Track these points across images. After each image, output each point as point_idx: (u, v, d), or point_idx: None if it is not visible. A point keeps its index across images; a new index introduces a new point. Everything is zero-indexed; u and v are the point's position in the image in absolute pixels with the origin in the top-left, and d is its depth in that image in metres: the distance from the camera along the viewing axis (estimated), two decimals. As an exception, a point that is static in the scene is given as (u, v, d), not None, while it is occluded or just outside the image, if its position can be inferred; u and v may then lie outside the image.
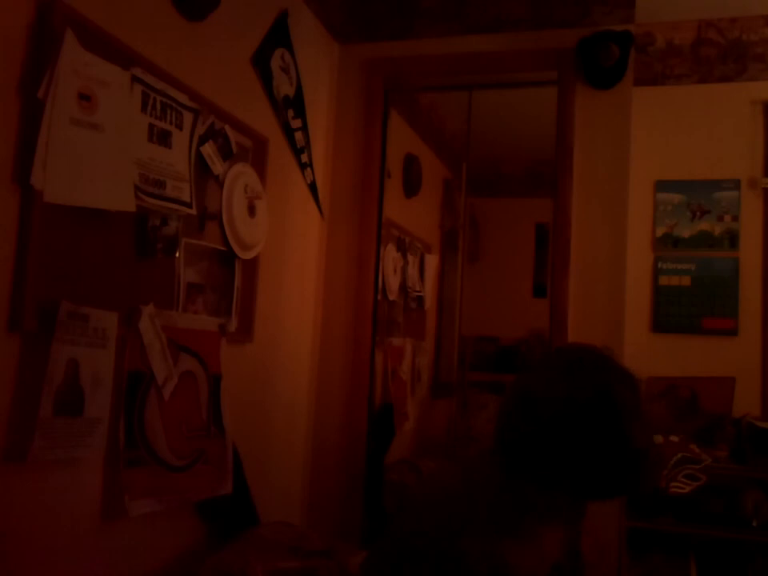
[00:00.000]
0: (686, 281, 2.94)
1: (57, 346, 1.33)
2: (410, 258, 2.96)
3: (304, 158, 2.42)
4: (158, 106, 1.63)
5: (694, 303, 2.91)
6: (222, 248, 1.95)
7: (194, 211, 1.74)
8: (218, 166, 1.88)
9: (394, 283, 2.80)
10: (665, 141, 2.98)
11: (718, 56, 2.70)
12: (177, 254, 1.73)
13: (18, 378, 1.30)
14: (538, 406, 1.04)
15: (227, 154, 1.93)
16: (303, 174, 2.44)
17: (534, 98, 2.67)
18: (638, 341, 2.81)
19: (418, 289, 3.03)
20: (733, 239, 2.90)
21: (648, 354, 2.85)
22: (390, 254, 2.77)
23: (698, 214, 2.95)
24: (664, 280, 2.96)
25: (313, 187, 2.51)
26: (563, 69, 2.42)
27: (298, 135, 2.37)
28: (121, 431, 1.51)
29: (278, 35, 2.23)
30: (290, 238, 2.38)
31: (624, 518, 2.30)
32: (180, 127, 1.71)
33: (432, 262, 3.11)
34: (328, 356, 2.59)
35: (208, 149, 1.84)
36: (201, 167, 1.82)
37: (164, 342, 1.62)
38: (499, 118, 2.88)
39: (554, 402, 1.02)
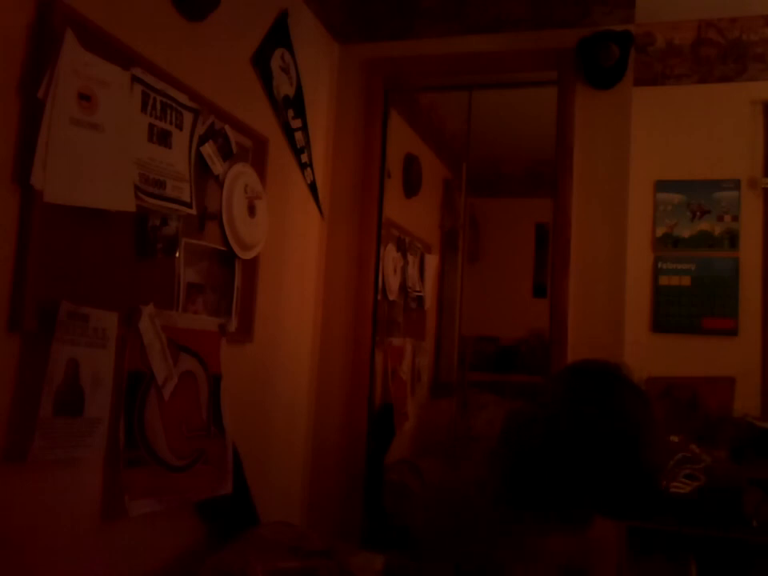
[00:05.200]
0: (686, 281, 2.93)
1: (57, 346, 1.33)
2: (410, 258, 2.96)
3: (304, 158, 2.42)
4: (158, 106, 1.63)
5: (694, 303, 2.91)
6: (222, 248, 1.95)
7: (194, 211, 1.74)
8: (218, 166, 1.88)
9: (394, 283, 2.80)
10: (665, 141, 2.98)
11: (718, 56, 2.70)
12: (177, 254, 1.73)
13: (18, 378, 1.30)
14: (545, 425, 0.99)
15: (227, 154, 1.92)
16: (303, 174, 2.44)
17: (534, 97, 2.67)
18: (638, 341, 2.80)
19: (418, 289, 3.03)
20: (733, 239, 2.90)
21: (648, 354, 2.85)
22: (390, 253, 2.77)
23: (698, 213, 2.94)
24: (664, 280, 2.96)
25: (313, 187, 2.51)
26: (563, 69, 2.42)
27: (298, 135, 2.37)
28: (121, 431, 1.51)
29: (278, 35, 2.23)
30: (290, 237, 2.38)
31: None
32: (180, 127, 1.71)
33: (432, 262, 3.10)
34: (328, 356, 2.59)
35: (208, 149, 1.84)
36: (201, 167, 1.82)
37: (164, 342, 1.62)
38: (499, 117, 2.88)
39: (560, 422, 0.98)
